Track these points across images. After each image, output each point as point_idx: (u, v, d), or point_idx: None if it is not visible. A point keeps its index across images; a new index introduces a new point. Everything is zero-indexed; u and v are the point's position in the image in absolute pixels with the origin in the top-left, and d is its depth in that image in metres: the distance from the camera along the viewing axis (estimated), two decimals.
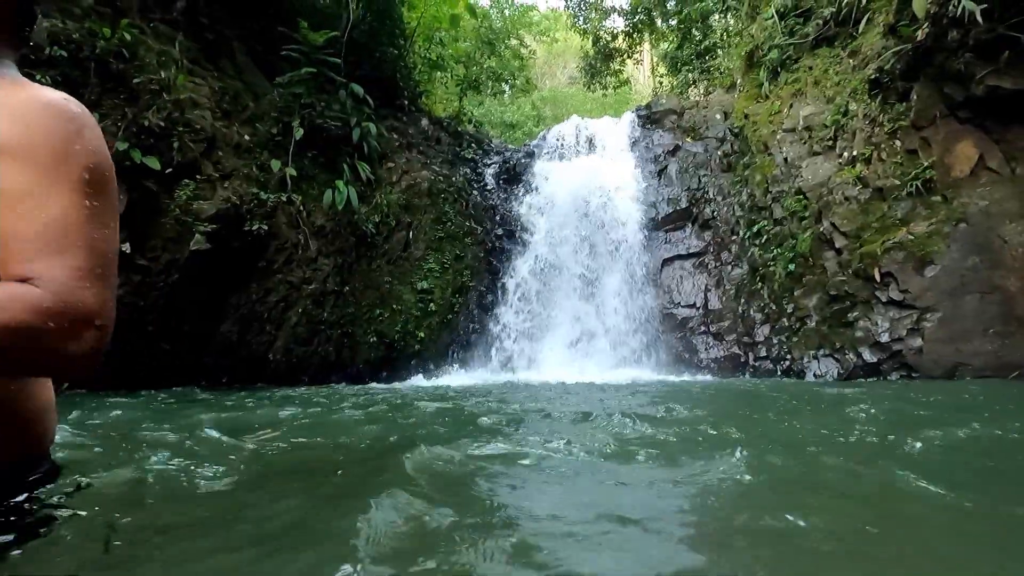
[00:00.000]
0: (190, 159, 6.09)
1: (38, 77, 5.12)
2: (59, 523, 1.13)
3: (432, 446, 1.90)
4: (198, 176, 6.16)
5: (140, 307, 5.78)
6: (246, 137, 6.90)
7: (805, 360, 6.65)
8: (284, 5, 8.47)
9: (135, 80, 5.76)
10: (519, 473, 1.72)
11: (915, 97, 6.11)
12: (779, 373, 6.91)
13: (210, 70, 7.01)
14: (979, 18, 5.12)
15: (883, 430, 2.37)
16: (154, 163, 5.67)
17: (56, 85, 5.37)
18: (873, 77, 6.59)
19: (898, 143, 6.30)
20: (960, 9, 5.20)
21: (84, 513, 1.22)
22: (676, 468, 1.76)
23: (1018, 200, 5.48)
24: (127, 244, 5.60)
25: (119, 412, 3.56)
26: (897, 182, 6.17)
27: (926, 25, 5.74)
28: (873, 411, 2.94)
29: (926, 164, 5.94)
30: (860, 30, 7.11)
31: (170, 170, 5.88)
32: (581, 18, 17.09)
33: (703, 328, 7.89)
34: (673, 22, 14.30)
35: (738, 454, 1.75)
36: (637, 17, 15.49)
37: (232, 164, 6.57)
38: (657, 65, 17.93)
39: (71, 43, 5.39)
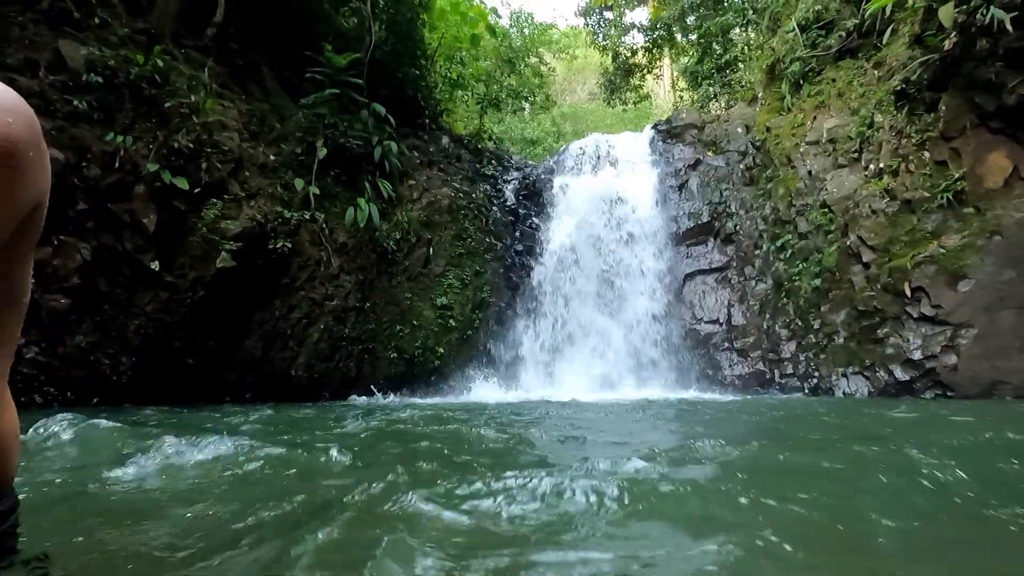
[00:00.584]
0: (217, 179, 6.26)
1: (75, 102, 5.34)
2: None
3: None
4: (225, 196, 6.32)
5: (167, 323, 5.92)
6: (271, 157, 7.07)
7: (833, 377, 6.46)
8: (309, 29, 8.73)
9: (166, 104, 5.96)
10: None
11: (943, 107, 5.96)
12: (806, 391, 6.73)
13: (238, 93, 7.23)
14: (1008, 26, 5.00)
15: None
16: (183, 183, 5.84)
17: (92, 109, 5.54)
18: (899, 88, 6.47)
19: (926, 154, 6.14)
20: (989, 18, 5.09)
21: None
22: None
23: None
24: (156, 262, 5.76)
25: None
26: (926, 194, 6.00)
27: (954, 35, 5.62)
28: None
29: (957, 175, 5.77)
30: (884, 41, 7.00)
31: (198, 190, 6.04)
32: (601, 35, 17.23)
33: (727, 344, 7.74)
34: (693, 37, 14.28)
35: None
36: (657, 32, 15.53)
37: (257, 184, 6.73)
38: (677, 80, 17.93)
39: (107, 69, 5.62)
